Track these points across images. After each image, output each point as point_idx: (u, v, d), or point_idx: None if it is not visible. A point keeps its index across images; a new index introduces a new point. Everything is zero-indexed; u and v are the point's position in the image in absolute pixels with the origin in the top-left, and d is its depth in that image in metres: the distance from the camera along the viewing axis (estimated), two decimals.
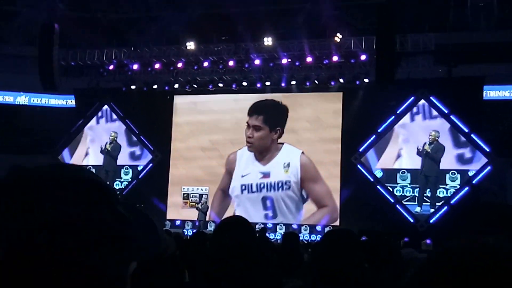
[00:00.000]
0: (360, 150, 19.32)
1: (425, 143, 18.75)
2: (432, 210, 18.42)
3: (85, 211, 0.94)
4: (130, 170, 21.96)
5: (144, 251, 1.03)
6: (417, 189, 18.71)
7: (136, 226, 1.00)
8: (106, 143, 22.32)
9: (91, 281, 0.93)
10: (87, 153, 22.54)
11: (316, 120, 20.46)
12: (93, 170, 21.35)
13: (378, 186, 18.98)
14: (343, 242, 2.51)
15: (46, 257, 0.91)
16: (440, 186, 18.42)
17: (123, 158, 22.09)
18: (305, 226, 19.60)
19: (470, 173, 18.17)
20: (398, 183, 18.89)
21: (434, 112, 18.93)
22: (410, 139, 19.03)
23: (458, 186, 18.22)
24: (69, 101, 23.41)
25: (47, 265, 0.91)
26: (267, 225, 19.46)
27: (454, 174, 18.33)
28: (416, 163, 18.86)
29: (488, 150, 17.94)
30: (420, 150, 18.75)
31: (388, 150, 19.20)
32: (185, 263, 4.22)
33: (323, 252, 2.49)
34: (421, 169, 18.71)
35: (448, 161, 18.44)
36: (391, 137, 19.25)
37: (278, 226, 19.74)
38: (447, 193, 18.35)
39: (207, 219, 20.32)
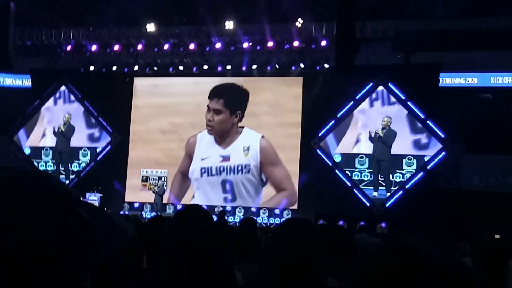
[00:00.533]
0: (319, 134, 19.52)
1: (377, 129, 19.08)
2: (388, 194, 18.80)
3: (49, 218, 0.96)
4: (88, 152, 21.68)
5: (106, 249, 1.06)
6: (374, 174, 19.06)
7: (98, 226, 1.02)
8: (60, 124, 21.94)
9: (56, 286, 0.95)
10: (44, 134, 22.14)
11: (276, 105, 20.56)
12: (50, 152, 21.21)
13: (336, 171, 19.24)
14: (302, 231, 2.56)
15: (10, 265, 0.92)
16: (397, 170, 18.79)
17: (81, 140, 21.78)
18: (264, 210, 19.76)
19: (426, 159, 18.57)
20: (356, 168, 19.19)
21: (393, 98, 19.24)
22: (369, 125, 19.32)
23: (414, 171, 18.62)
24: (25, 81, 22.88)
25: (11, 272, 0.92)
26: (226, 208, 19.54)
27: (411, 159, 18.72)
28: (371, 147, 19.20)
29: (443, 136, 18.37)
30: (373, 135, 19.08)
31: (347, 135, 19.46)
32: (143, 248, 4.24)
33: (281, 240, 2.55)
34: (373, 153, 19.05)
35: (404, 147, 18.81)
36: (351, 122, 19.51)
37: (237, 209, 19.86)
38: (403, 177, 18.74)
39: (165, 201, 20.29)
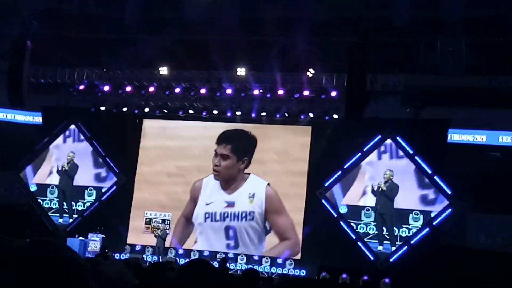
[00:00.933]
0: (326, 185, 19.44)
1: (380, 182, 18.99)
2: (393, 248, 18.55)
3: None
4: (94, 192, 21.65)
5: None
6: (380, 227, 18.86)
7: None
8: (64, 163, 21.97)
9: None
10: (51, 171, 22.17)
11: (283, 153, 20.56)
12: (55, 190, 21.20)
13: (341, 222, 19.06)
14: None
15: None
16: (403, 225, 18.60)
17: (87, 179, 21.77)
18: (266, 258, 19.53)
19: (433, 214, 18.40)
20: (362, 220, 19.02)
21: (401, 152, 19.21)
22: (376, 177, 19.25)
23: (421, 226, 18.42)
24: (36, 118, 23.07)
25: None
26: (228, 255, 19.33)
27: (417, 214, 18.56)
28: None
29: (449, 192, 18.23)
30: (375, 189, 18.97)
31: (354, 186, 19.36)
32: None
33: None
34: (375, 207, 18.91)
35: (411, 201, 18.67)
36: (358, 173, 19.44)
37: (239, 257, 19.64)
38: (409, 232, 18.53)
39: (167, 245, 20.11)
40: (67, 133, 22.32)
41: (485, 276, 15.60)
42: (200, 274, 3.21)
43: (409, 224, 18.57)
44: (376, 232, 18.82)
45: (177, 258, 19.26)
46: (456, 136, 19.69)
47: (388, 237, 18.68)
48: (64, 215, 21.60)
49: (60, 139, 22.32)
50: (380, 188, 18.91)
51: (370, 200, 19.19)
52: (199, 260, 3.65)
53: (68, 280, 0.97)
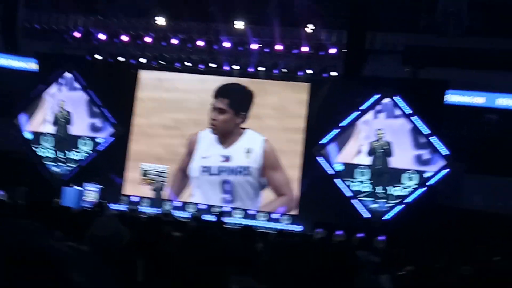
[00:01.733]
0: (322, 142, 19.50)
1: (374, 141, 19.11)
2: (387, 206, 18.83)
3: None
4: (88, 142, 21.48)
5: None
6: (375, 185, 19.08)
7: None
8: (58, 111, 21.71)
9: None
10: (45, 119, 21.88)
11: (281, 109, 20.52)
12: (49, 138, 21.02)
13: (335, 180, 19.23)
14: (304, 251, 2.51)
15: None
16: (397, 184, 18.83)
17: (82, 129, 21.56)
18: (263, 213, 19.72)
19: (426, 174, 18.62)
20: (356, 178, 19.20)
21: (397, 112, 19.27)
22: (372, 136, 19.34)
23: (416, 186, 18.67)
24: (31, 64, 22.64)
25: None
26: (224, 209, 19.50)
27: (412, 174, 18.77)
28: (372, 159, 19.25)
29: (446, 153, 18.41)
30: (374, 147, 19.10)
31: (349, 144, 19.45)
32: (140, 248, 4.25)
33: (281, 259, 2.51)
34: (373, 165, 19.07)
35: (406, 161, 18.85)
36: (353, 132, 19.51)
37: (235, 211, 19.80)
38: (403, 191, 18.78)
39: (163, 197, 20.21)
40: (62, 81, 21.96)
41: (479, 237, 15.95)
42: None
43: (403, 183, 18.81)
44: (372, 190, 19.05)
45: (172, 211, 19.38)
46: (454, 97, 19.76)
47: (382, 196, 18.92)
48: (59, 163, 21.48)
49: (54, 87, 21.98)
50: (382, 147, 19.02)
51: (364, 159, 19.33)
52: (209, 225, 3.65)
53: (42, 276, 0.94)
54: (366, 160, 19.25)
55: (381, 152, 19.04)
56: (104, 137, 21.35)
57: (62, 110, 21.70)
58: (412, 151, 18.86)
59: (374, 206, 18.93)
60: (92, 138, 21.45)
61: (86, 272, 0.97)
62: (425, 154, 18.74)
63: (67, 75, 21.85)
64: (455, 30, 20.73)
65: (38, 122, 21.89)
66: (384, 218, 18.65)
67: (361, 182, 19.13)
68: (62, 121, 21.68)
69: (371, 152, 19.14)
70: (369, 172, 19.10)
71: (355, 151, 19.40)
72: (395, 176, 18.82)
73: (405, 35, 20.19)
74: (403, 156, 18.89)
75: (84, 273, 0.96)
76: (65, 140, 21.55)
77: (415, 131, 18.91)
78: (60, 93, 21.85)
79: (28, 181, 19.06)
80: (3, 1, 20.93)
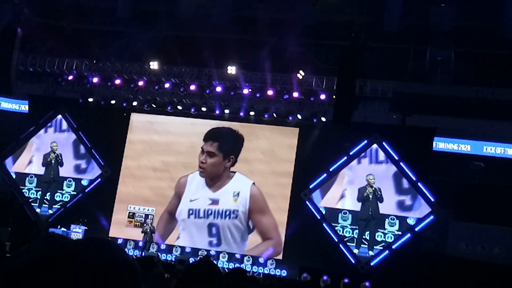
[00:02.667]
0: (311, 186, 19.52)
1: (365, 187, 19.10)
2: (370, 252, 18.71)
3: None
4: (73, 183, 21.48)
5: None
6: (357, 230, 18.98)
7: None
8: (49, 153, 21.79)
9: None
10: (31, 161, 21.95)
11: (270, 153, 20.63)
12: (34, 179, 21.02)
13: (324, 224, 19.17)
14: None
15: None
16: (379, 230, 18.76)
17: (67, 170, 21.64)
18: (248, 257, 19.56)
19: (409, 220, 18.57)
20: (339, 223, 19.15)
21: (380, 157, 19.37)
22: (355, 181, 19.38)
23: (396, 232, 18.61)
24: (23, 107, 22.88)
25: None
26: (210, 252, 19.37)
27: (393, 219, 18.74)
28: (358, 205, 19.19)
29: (432, 199, 18.41)
30: (367, 194, 19.08)
31: (332, 189, 19.49)
32: None
33: None
34: (361, 211, 19.00)
35: (388, 207, 18.85)
36: (337, 177, 19.56)
37: (221, 254, 19.65)
38: (384, 237, 18.71)
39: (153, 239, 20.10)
40: (53, 123, 22.13)
41: (464, 284, 15.80)
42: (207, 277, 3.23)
43: (385, 229, 18.76)
44: (353, 235, 18.97)
45: (159, 253, 19.25)
46: (441, 144, 19.89)
47: (366, 241, 18.81)
48: (44, 205, 21.45)
49: (45, 129, 22.10)
50: (374, 193, 19.03)
51: (348, 204, 19.32)
52: (205, 263, 3.66)
53: (124, 283, 0.99)
54: (349, 205, 19.22)
55: (371, 198, 19.02)
56: (89, 178, 21.37)
57: (54, 152, 21.79)
58: (395, 197, 18.88)
59: (355, 251, 18.80)
60: (77, 180, 21.48)
61: None
62: (407, 199, 18.75)
63: (58, 117, 22.03)
64: (443, 79, 21.05)
65: (23, 163, 21.92)
66: (369, 263, 18.49)
67: (343, 227, 19.05)
68: (53, 163, 21.74)
69: (361, 198, 19.11)
70: (352, 217, 19.05)
71: (338, 196, 19.41)
72: (381, 221, 18.79)
73: (394, 82, 20.46)
74: (386, 201, 18.92)
75: None
76: (54, 182, 21.57)
77: (399, 176, 18.95)
78: (50, 134, 21.98)
79: (14, 221, 19.00)
80: (0, 44, 21.27)
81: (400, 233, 18.56)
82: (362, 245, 18.84)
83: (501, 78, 20.23)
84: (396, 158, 19.08)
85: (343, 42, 20.01)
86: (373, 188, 19.08)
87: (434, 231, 18.47)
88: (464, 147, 19.94)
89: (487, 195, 18.49)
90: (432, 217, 18.30)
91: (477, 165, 19.99)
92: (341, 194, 19.36)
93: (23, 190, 21.69)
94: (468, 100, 19.87)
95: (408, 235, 18.45)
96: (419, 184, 18.62)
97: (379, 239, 18.71)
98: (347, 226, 19.07)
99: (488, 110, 19.41)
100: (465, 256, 17.61)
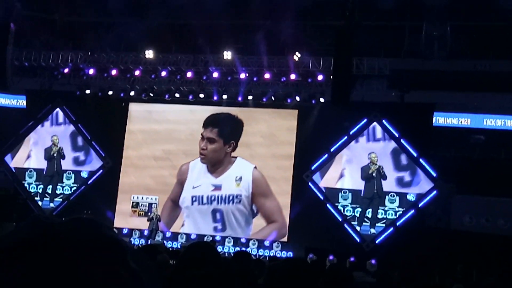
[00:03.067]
0: (312, 168, 19.53)
1: (368, 165, 19.09)
2: (372, 230, 18.76)
3: (104, 270, 0.96)
4: (73, 175, 21.50)
5: None
6: (357, 209, 19.01)
7: (144, 277, 1.03)
8: (51, 147, 21.77)
9: None
10: (29, 155, 21.95)
11: (270, 136, 20.62)
12: (34, 173, 21.03)
13: (327, 204, 19.21)
14: (299, 272, 2.54)
15: None
16: (380, 207, 18.80)
17: (66, 163, 21.65)
18: (254, 241, 19.63)
19: (409, 196, 18.60)
20: (339, 202, 19.19)
21: (378, 135, 19.35)
22: (353, 160, 19.39)
23: (397, 208, 18.63)
24: (20, 102, 22.84)
25: None
26: (216, 238, 19.43)
27: (393, 196, 18.76)
28: (357, 183, 19.21)
29: (435, 175, 18.43)
30: (371, 172, 19.07)
31: (331, 169, 19.50)
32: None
33: (278, 282, 2.52)
34: (366, 190, 19.01)
35: (388, 183, 18.87)
36: (335, 157, 19.57)
37: (226, 239, 19.71)
38: (385, 214, 18.74)
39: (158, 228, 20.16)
40: (51, 117, 22.09)
41: (470, 257, 15.87)
42: (204, 258, 3.22)
43: (385, 206, 18.79)
44: (353, 214, 19.02)
45: (164, 241, 19.31)
46: (441, 120, 19.88)
47: (368, 220, 18.86)
48: (45, 199, 21.50)
49: (43, 123, 22.07)
50: (374, 172, 19.02)
51: (347, 183, 19.33)
52: (202, 243, 3.65)
53: (111, 261, 0.98)
54: (349, 184, 19.23)
55: (375, 176, 19.02)
56: (89, 170, 21.39)
57: (55, 145, 21.77)
58: (393, 174, 18.90)
59: (361, 229, 18.85)
60: (77, 172, 21.51)
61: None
62: (406, 176, 18.77)
63: (57, 110, 21.99)
64: (440, 53, 20.98)
65: (22, 158, 21.93)
66: (375, 241, 18.55)
67: (344, 206, 19.09)
68: (56, 156, 21.72)
69: (365, 177, 19.09)
70: (351, 196, 19.07)
71: (337, 176, 19.42)
72: (382, 199, 18.83)
73: (390, 59, 20.39)
74: (388, 178, 18.92)
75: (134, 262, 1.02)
76: (56, 175, 21.59)
77: (398, 153, 18.95)
78: (47, 128, 21.96)
79: (19, 217, 19.03)
80: None
81: (400, 209, 18.58)
82: (364, 223, 18.88)
83: (498, 50, 20.17)
84: (397, 136, 19.07)
85: (337, 21, 19.89)
86: (377, 166, 19.07)
87: (437, 206, 18.51)
88: (464, 121, 19.94)
89: (488, 168, 18.52)
90: (435, 192, 18.32)
91: (477, 138, 20.00)
92: (340, 174, 19.38)
93: (25, 185, 21.71)
94: (466, 73, 19.83)
95: (412, 211, 18.48)
96: (420, 160, 18.62)
97: (380, 216, 18.76)
98: (347, 205, 19.11)
99: (486, 83, 19.38)
100: (470, 229, 17.67)
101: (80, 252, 0.95)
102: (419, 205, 18.43)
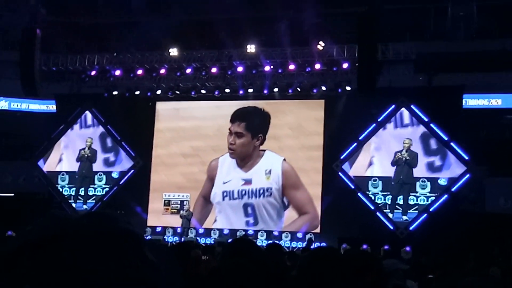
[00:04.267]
0: (342, 157, 19.40)
1: (400, 151, 18.85)
2: (404, 217, 18.55)
3: (121, 263, 0.98)
4: (104, 177, 21.75)
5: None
6: (388, 196, 18.79)
7: (160, 267, 1.04)
8: (83, 149, 22.08)
9: None
10: (61, 159, 22.25)
11: (298, 127, 20.55)
12: (66, 177, 21.36)
13: (359, 193, 19.07)
14: (330, 262, 2.53)
15: None
16: (411, 193, 18.56)
17: (97, 164, 21.94)
18: (286, 233, 19.63)
19: (440, 181, 18.31)
20: (370, 191, 19.01)
21: (405, 121, 19.06)
22: (382, 147, 19.17)
23: (428, 194, 18.35)
24: (50, 106, 23.21)
25: None
26: (248, 232, 19.49)
27: (424, 181, 18.48)
28: (387, 170, 18.99)
29: (467, 158, 18.12)
30: (398, 158, 18.85)
31: (359, 158, 19.31)
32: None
33: (309, 272, 2.52)
34: (395, 176, 18.79)
35: (418, 169, 18.60)
36: (364, 145, 19.38)
37: (259, 233, 19.76)
38: (417, 200, 18.50)
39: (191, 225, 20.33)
40: (81, 120, 22.37)
41: (507, 240, 15.61)
42: (245, 253, 3.23)
43: (416, 192, 18.53)
44: (385, 201, 18.82)
45: (197, 238, 19.46)
46: (471, 101, 19.56)
47: (400, 207, 18.65)
48: (78, 201, 21.84)
49: (74, 126, 22.37)
50: (404, 158, 18.81)
51: (377, 171, 19.14)
52: (244, 239, 3.67)
53: (127, 253, 1.00)
54: (378, 171, 19.03)
55: (403, 163, 18.78)
56: (119, 170, 21.62)
57: (88, 148, 22.05)
58: (424, 159, 18.59)
59: (393, 217, 18.65)
60: (108, 173, 21.78)
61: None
62: (436, 160, 18.44)
63: (86, 113, 22.28)
64: (466, 34, 20.61)
65: (54, 162, 22.21)
66: (408, 228, 18.36)
67: (375, 194, 18.91)
68: (87, 158, 22.02)
69: (394, 162, 18.88)
70: (382, 184, 18.86)
71: (366, 164, 19.23)
72: (413, 185, 18.58)
73: (416, 43, 20.12)
74: (419, 164, 18.66)
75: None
76: (86, 178, 21.89)
77: (427, 138, 18.63)
78: (76, 131, 22.25)
79: None
80: (21, 47, 21.55)
81: (432, 194, 18.31)
82: (395, 211, 18.69)
83: None
84: (426, 120, 18.77)
85: (360, 8, 19.66)
86: (407, 153, 18.80)
87: (471, 190, 18.24)
88: (495, 101, 19.58)
89: None
90: (468, 175, 17.99)
91: (509, 118, 19.61)
92: (369, 162, 19.20)
93: (58, 188, 22.07)
94: (494, 53, 19.43)
95: (445, 196, 18.19)
96: (451, 143, 18.30)
97: (411, 202, 18.52)
98: (378, 193, 18.94)
99: None
100: (506, 211, 17.37)
101: (96, 245, 0.98)
102: (452, 190, 18.14)
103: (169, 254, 1.14)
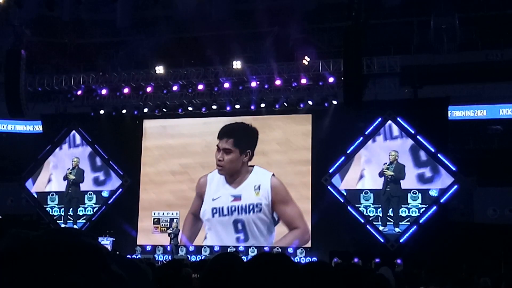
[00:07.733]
0: (330, 171, 19.45)
1: (386, 163, 18.94)
2: (397, 229, 18.61)
3: (84, 277, 0.98)
4: (94, 196, 21.62)
5: None
6: (380, 209, 18.86)
7: (130, 280, 1.04)
8: (69, 169, 21.94)
9: None
10: (50, 179, 22.12)
11: (286, 142, 20.59)
12: (56, 197, 21.20)
13: (348, 207, 19.10)
14: (320, 275, 2.53)
15: None
16: (402, 205, 18.62)
17: (86, 184, 21.80)
18: (277, 249, 19.56)
19: (431, 192, 18.41)
20: (361, 203, 19.07)
21: (395, 133, 19.20)
22: (372, 160, 19.26)
23: (420, 205, 18.44)
24: (36, 127, 23.09)
25: None
26: (239, 248, 19.40)
27: (416, 193, 18.57)
28: (378, 183, 19.06)
29: (454, 169, 18.23)
30: (384, 170, 18.94)
31: (350, 171, 19.38)
32: None
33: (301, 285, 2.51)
34: (384, 189, 18.89)
35: (409, 181, 18.70)
36: (354, 158, 19.45)
37: (250, 249, 19.66)
38: (409, 212, 18.57)
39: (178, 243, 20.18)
40: (68, 140, 22.26)
41: (496, 249, 15.69)
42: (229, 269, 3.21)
43: (408, 204, 18.61)
44: (377, 214, 18.87)
45: (188, 256, 19.34)
46: (456, 113, 19.75)
47: (391, 218, 18.70)
48: (68, 221, 21.65)
49: (61, 146, 22.25)
50: (389, 175, 18.86)
51: (368, 183, 19.21)
52: (227, 255, 3.65)
53: (90, 268, 1.00)
54: (369, 184, 19.10)
55: (388, 176, 18.87)
56: (109, 189, 21.50)
57: (74, 168, 21.91)
58: (414, 170, 18.69)
59: (386, 229, 18.69)
60: (98, 192, 21.64)
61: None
62: (427, 172, 18.54)
63: (73, 133, 22.17)
64: (450, 46, 20.86)
65: (43, 183, 22.08)
66: (399, 240, 18.39)
67: (366, 206, 18.96)
68: (74, 179, 21.86)
69: (383, 174, 18.92)
70: (374, 196, 18.92)
71: (357, 177, 19.29)
72: (403, 197, 18.66)
73: (401, 56, 20.29)
74: (407, 176, 18.75)
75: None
76: (73, 198, 21.73)
77: (416, 150, 18.76)
78: (65, 151, 22.13)
79: None
80: (6, 68, 21.46)
81: (423, 206, 18.40)
82: (388, 223, 18.74)
83: (509, 38, 19.99)
84: (413, 132, 18.90)
85: (344, 22, 19.84)
86: (393, 166, 18.89)
87: (459, 201, 18.34)
88: (480, 112, 19.78)
89: (509, 157, 18.31)
90: (456, 186, 18.09)
91: (495, 129, 19.81)
92: (359, 175, 19.27)
93: (47, 209, 21.89)
94: (478, 64, 19.68)
95: (434, 207, 18.27)
96: (439, 155, 18.42)
97: (403, 214, 18.59)
98: (370, 206, 18.99)
99: (499, 72, 19.21)
100: (494, 221, 17.48)
101: (56, 262, 0.98)
102: (441, 201, 18.23)
103: (138, 267, 1.13)
